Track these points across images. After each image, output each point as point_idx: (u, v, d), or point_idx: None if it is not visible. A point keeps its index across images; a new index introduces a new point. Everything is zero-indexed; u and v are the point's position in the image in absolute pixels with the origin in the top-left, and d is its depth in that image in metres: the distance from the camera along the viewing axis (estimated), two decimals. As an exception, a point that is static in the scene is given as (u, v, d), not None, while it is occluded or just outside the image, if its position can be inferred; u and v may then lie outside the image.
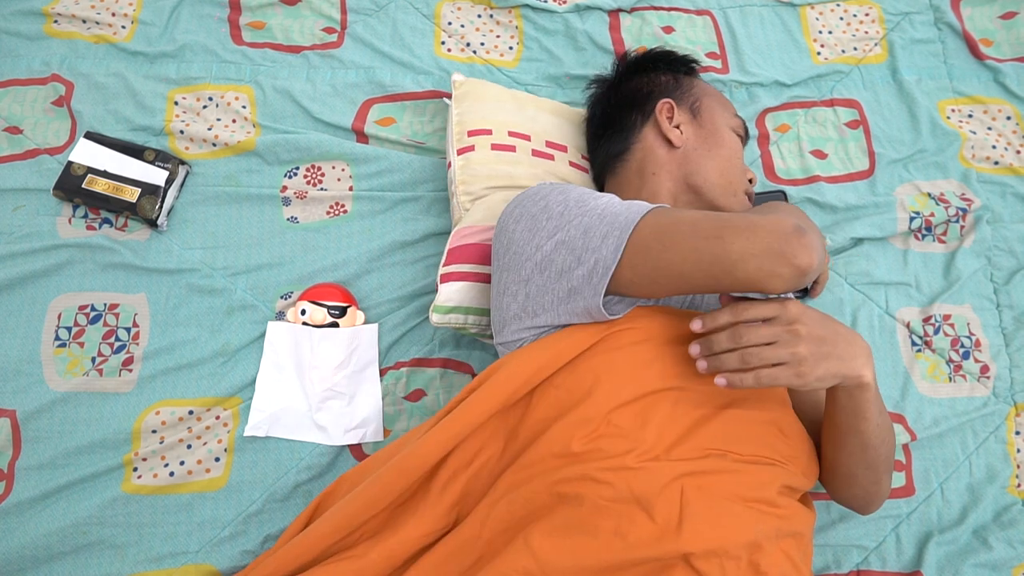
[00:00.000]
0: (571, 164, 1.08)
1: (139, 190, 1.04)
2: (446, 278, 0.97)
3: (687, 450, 0.74)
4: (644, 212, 0.75)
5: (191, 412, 0.97)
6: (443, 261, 1.00)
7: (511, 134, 1.07)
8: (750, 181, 0.99)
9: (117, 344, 1.00)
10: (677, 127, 0.97)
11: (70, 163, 1.05)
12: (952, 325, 1.12)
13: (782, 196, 0.75)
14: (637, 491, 0.71)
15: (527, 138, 1.08)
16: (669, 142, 0.96)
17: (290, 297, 1.04)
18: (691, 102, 1.00)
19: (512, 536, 0.75)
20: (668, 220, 0.73)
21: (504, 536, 0.75)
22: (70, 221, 1.05)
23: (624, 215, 0.75)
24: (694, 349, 0.73)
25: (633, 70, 1.05)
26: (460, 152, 1.06)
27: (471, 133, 1.07)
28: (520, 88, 1.20)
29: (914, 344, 1.11)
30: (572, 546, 0.71)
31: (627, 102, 1.01)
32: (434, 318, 0.97)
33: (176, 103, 1.13)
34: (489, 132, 1.07)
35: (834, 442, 0.83)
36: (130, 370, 0.98)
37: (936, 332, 1.11)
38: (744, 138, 1.02)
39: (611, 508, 0.71)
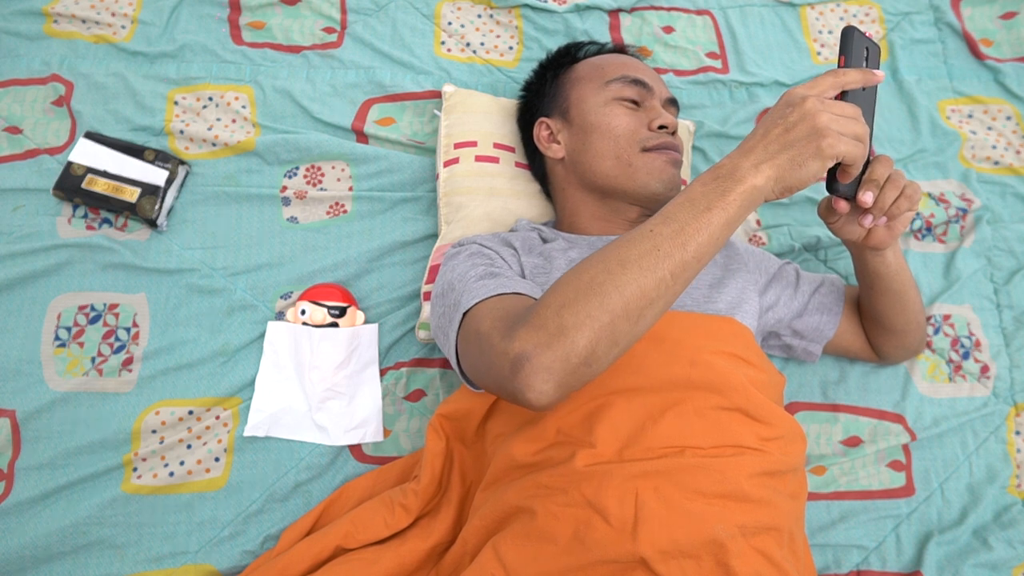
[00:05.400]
0: None
1: (139, 190, 1.04)
2: (429, 296, 0.98)
3: (640, 450, 0.73)
4: (458, 324, 0.75)
5: (191, 412, 0.97)
6: (425, 278, 1.02)
7: (496, 145, 1.08)
8: (661, 127, 0.92)
9: (117, 344, 1.00)
10: (556, 140, 0.98)
11: (70, 163, 1.05)
12: (952, 325, 1.12)
13: (876, 50, 0.72)
14: (589, 495, 0.71)
15: (511, 149, 1.09)
16: (557, 159, 0.98)
17: (290, 297, 1.04)
18: (562, 105, 0.98)
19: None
20: (470, 329, 0.73)
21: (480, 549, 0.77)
22: (70, 221, 1.05)
23: (454, 317, 0.77)
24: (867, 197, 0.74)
25: (524, 96, 1.07)
26: (446, 164, 1.07)
27: (457, 145, 1.08)
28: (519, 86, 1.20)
29: (914, 344, 1.11)
30: (535, 552, 0.72)
31: (524, 133, 1.05)
32: (420, 335, 1.00)
33: (176, 103, 1.13)
34: (474, 144, 1.08)
35: (876, 305, 0.94)
36: (130, 370, 0.98)
37: (936, 332, 1.11)
38: (631, 81, 0.95)
39: (566, 513, 0.71)
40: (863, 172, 0.75)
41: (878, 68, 0.72)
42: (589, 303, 0.61)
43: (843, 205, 0.76)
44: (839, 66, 0.70)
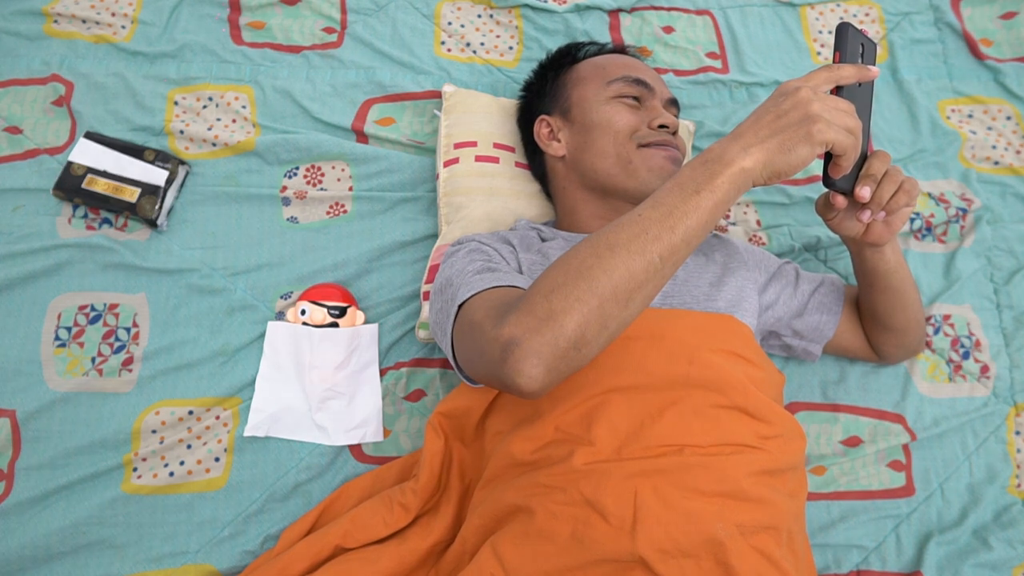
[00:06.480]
0: None
1: (139, 190, 1.04)
2: (429, 296, 0.98)
3: (639, 449, 0.73)
4: (453, 317, 0.75)
5: (191, 412, 0.97)
6: (425, 278, 1.02)
7: (496, 145, 1.09)
8: (661, 126, 0.92)
9: (117, 344, 1.00)
10: (557, 138, 0.98)
11: (70, 163, 1.05)
12: (952, 325, 1.12)
13: (872, 48, 0.72)
14: (587, 494, 0.71)
15: (511, 149, 1.09)
16: (558, 156, 0.98)
17: (290, 297, 1.04)
18: (563, 104, 0.98)
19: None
20: (464, 321, 0.73)
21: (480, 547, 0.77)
22: (70, 221, 1.05)
23: (450, 310, 0.76)
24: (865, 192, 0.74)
25: (524, 96, 1.07)
26: (446, 164, 1.07)
27: (457, 145, 1.08)
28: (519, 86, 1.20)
29: (914, 344, 1.10)
30: (534, 551, 0.71)
31: (524, 133, 1.05)
32: (420, 334, 1.00)
33: (176, 103, 1.13)
34: (474, 144, 1.08)
35: (875, 303, 0.94)
36: (130, 370, 0.98)
37: (936, 332, 1.11)
38: (633, 81, 0.95)
39: (565, 512, 0.71)
40: (860, 168, 0.75)
41: (873, 65, 0.72)
42: (578, 287, 0.61)
43: (840, 200, 0.76)
44: (834, 62, 0.70)
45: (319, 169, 1.11)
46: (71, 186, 1.03)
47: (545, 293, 0.62)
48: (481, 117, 1.10)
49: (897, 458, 1.04)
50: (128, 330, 1.00)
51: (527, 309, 0.62)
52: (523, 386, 0.61)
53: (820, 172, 1.18)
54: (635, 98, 0.95)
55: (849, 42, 0.71)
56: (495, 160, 1.08)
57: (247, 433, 0.96)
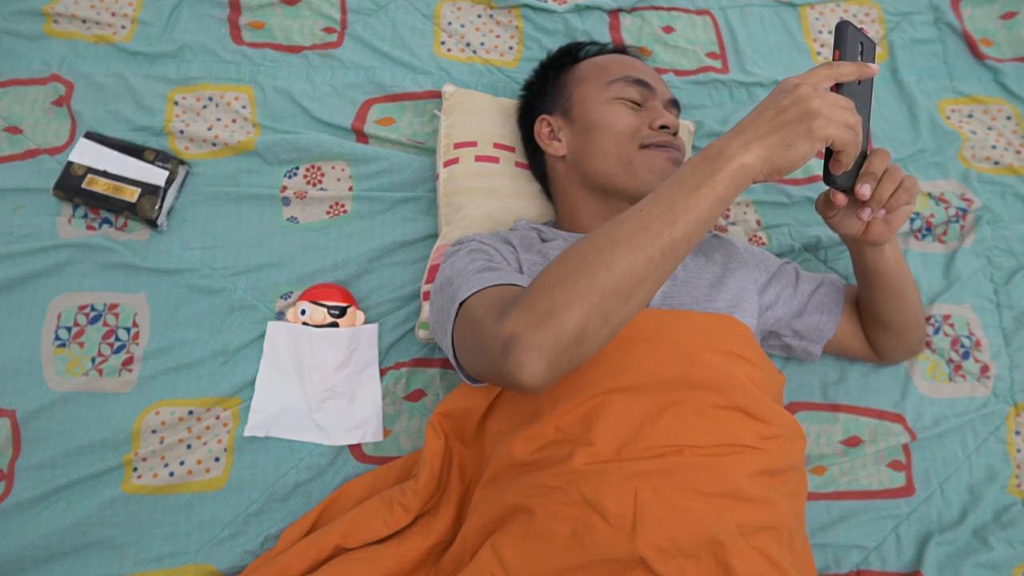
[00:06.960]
0: None
1: (139, 190, 1.04)
2: (429, 296, 0.98)
3: (639, 449, 0.73)
4: (454, 315, 0.75)
5: (191, 412, 0.97)
6: (425, 278, 1.02)
7: (496, 145, 1.09)
8: (662, 127, 0.92)
9: (117, 344, 1.00)
10: (557, 138, 0.98)
11: (70, 163, 1.05)
12: (952, 325, 1.12)
13: (872, 47, 0.72)
14: (588, 494, 0.71)
15: (511, 149, 1.09)
16: (559, 156, 0.97)
17: (290, 297, 1.04)
18: (564, 103, 0.98)
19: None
20: (465, 319, 0.73)
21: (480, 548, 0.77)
22: (70, 221, 1.05)
23: (451, 309, 0.76)
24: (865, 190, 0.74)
25: (524, 96, 1.07)
26: (446, 164, 1.07)
27: (457, 145, 1.08)
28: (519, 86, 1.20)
29: (914, 344, 1.10)
30: (534, 552, 0.71)
31: (525, 133, 1.05)
32: (420, 334, 1.00)
33: (176, 103, 1.13)
34: (474, 144, 1.08)
35: (875, 303, 0.93)
36: (130, 370, 0.98)
37: (936, 332, 1.11)
38: (634, 81, 0.95)
39: (565, 512, 0.71)
40: (860, 166, 0.75)
41: (873, 63, 0.72)
42: (579, 282, 0.61)
43: (840, 198, 0.76)
44: (833, 60, 0.70)
45: (319, 169, 1.11)
46: (71, 186, 1.03)
47: (546, 289, 0.62)
48: (481, 117, 1.10)
49: (897, 458, 1.04)
50: (128, 330, 1.00)
51: (528, 305, 0.62)
52: (525, 381, 0.61)
53: (820, 171, 1.18)
54: (635, 101, 0.95)
55: (849, 40, 0.71)
56: (495, 160, 1.08)
57: (247, 433, 0.96)
